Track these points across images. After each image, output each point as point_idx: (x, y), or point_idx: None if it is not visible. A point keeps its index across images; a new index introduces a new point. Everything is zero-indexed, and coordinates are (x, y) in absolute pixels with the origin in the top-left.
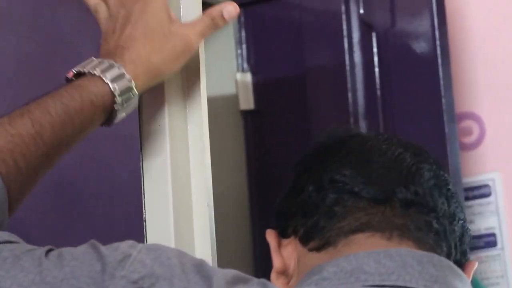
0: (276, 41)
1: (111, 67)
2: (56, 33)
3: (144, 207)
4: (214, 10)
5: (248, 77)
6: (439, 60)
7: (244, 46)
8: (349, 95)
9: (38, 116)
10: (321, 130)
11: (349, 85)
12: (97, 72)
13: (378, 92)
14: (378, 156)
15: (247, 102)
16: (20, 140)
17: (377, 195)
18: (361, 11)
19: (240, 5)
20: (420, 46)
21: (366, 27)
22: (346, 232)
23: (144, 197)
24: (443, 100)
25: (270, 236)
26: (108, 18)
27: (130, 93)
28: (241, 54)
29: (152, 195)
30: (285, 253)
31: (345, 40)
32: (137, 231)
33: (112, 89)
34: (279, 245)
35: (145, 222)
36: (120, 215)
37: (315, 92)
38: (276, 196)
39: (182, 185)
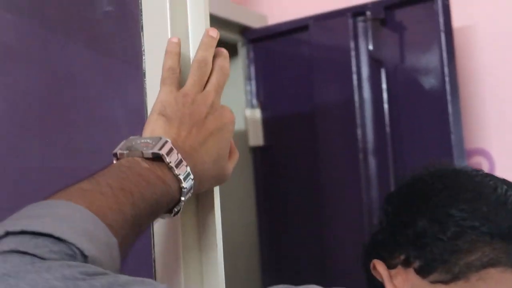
0: (285, 77)
1: (181, 163)
2: (65, 71)
3: (153, 246)
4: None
5: (257, 113)
6: (448, 96)
7: (253, 82)
8: (359, 130)
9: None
10: (330, 166)
11: (358, 121)
12: (172, 163)
13: (387, 128)
14: (489, 192)
15: (257, 138)
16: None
17: (498, 231)
18: (370, 47)
19: (249, 41)
20: (429, 82)
21: (375, 63)
22: (478, 267)
23: (153, 237)
24: (453, 136)
25: (381, 266)
26: (192, 91)
27: (190, 193)
28: (250, 90)
29: (161, 233)
30: (397, 282)
31: (355, 76)
32: (145, 270)
33: (182, 187)
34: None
35: (154, 262)
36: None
37: (325, 128)
38: (285, 230)
39: (191, 221)
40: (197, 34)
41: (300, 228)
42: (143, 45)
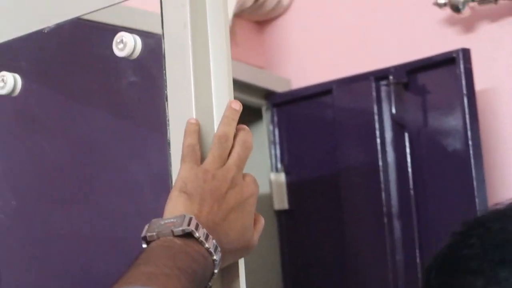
0: (309, 140)
1: (208, 237)
2: (91, 139)
3: None
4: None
5: (282, 177)
6: (472, 159)
7: (277, 146)
8: (383, 194)
9: None
10: (354, 230)
11: (382, 185)
12: (201, 237)
13: (412, 192)
14: None
15: (281, 202)
16: None
17: None
18: (393, 111)
19: (273, 105)
20: (453, 145)
21: (399, 126)
22: None
23: None
24: (477, 200)
25: None
26: (212, 166)
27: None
28: (275, 154)
29: None
30: None
31: (378, 140)
32: None
33: (214, 260)
34: None
35: None
36: None
37: (349, 192)
38: None
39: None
40: (221, 103)
41: None
42: (168, 115)
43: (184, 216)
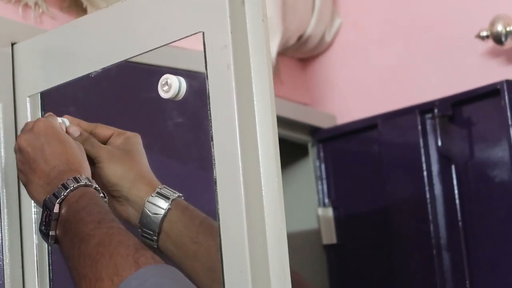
0: (355, 175)
1: None
2: None
3: None
4: None
5: (329, 211)
6: None
7: (324, 181)
8: (431, 227)
9: None
10: (403, 262)
11: (430, 217)
12: None
13: (460, 224)
14: None
15: (330, 236)
16: None
17: None
18: (439, 143)
19: (318, 141)
20: (500, 176)
21: (445, 159)
22: None
23: None
24: None
25: None
26: None
27: None
28: (322, 189)
29: None
30: None
31: (425, 173)
32: None
33: None
34: None
35: None
36: None
37: (397, 225)
38: None
39: None
40: (265, 142)
41: None
42: (214, 154)
43: None
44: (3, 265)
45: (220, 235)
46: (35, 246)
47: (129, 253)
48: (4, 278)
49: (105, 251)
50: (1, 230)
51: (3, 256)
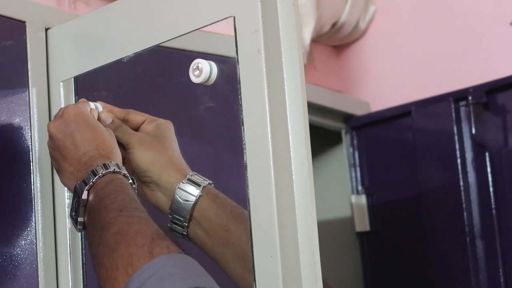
0: (389, 162)
1: None
2: None
3: None
4: None
5: (363, 199)
6: None
7: (357, 168)
8: (465, 214)
9: None
10: (437, 250)
11: (464, 205)
12: None
13: (494, 212)
14: None
15: (363, 224)
16: None
17: None
18: (473, 131)
19: (352, 128)
20: None
21: (479, 147)
22: None
23: None
24: None
25: None
26: None
27: None
28: (355, 176)
29: None
30: None
31: (458, 161)
32: None
33: None
34: None
35: None
36: None
37: (430, 213)
38: None
39: None
40: (296, 126)
41: None
42: (244, 139)
43: None
44: (36, 249)
45: (250, 219)
46: (68, 230)
47: (145, 243)
48: (37, 261)
49: (122, 241)
50: (35, 214)
51: (36, 240)
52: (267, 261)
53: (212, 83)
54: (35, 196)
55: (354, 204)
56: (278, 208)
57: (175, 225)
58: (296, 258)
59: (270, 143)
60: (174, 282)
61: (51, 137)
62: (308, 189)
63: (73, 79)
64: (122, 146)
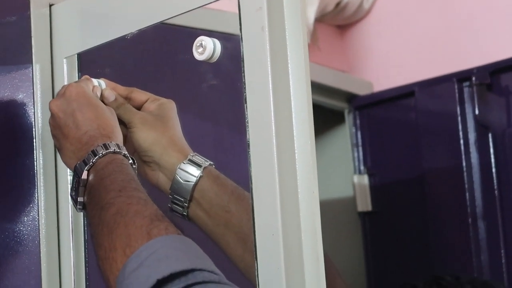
0: (392, 142)
1: None
2: None
3: None
4: None
5: (365, 179)
6: None
7: (360, 148)
8: (467, 195)
9: None
10: (438, 231)
11: (466, 186)
12: None
13: (496, 193)
14: None
15: (365, 204)
16: None
17: None
18: (477, 112)
19: (355, 108)
20: None
21: (482, 128)
22: None
23: None
24: None
25: None
26: None
27: None
28: (358, 156)
29: None
30: None
31: (461, 141)
32: None
33: None
34: None
35: None
36: None
37: (432, 193)
38: None
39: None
40: (299, 105)
41: None
42: (247, 117)
43: None
44: (38, 225)
45: (252, 198)
46: (70, 207)
47: (143, 224)
48: (39, 238)
49: (121, 221)
50: (37, 191)
51: (38, 217)
52: (268, 239)
53: (215, 60)
54: (38, 173)
55: (356, 184)
56: (281, 186)
57: (176, 206)
58: (298, 237)
59: (273, 121)
60: (170, 264)
61: (52, 115)
62: (311, 168)
63: (76, 55)
64: (124, 124)
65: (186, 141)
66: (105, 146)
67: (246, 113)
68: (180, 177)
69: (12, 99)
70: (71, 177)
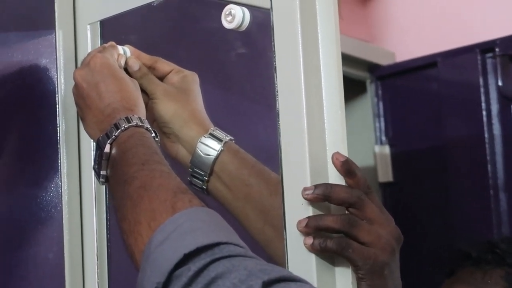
0: (413, 113)
1: None
2: None
3: None
4: None
5: (386, 149)
6: None
7: (382, 119)
8: (489, 167)
9: None
10: (460, 202)
11: (488, 158)
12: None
13: None
14: None
15: (386, 174)
16: None
17: None
18: (500, 83)
19: (377, 78)
20: None
21: (505, 99)
22: None
23: None
24: None
25: None
26: None
27: None
28: (379, 127)
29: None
30: None
31: (484, 113)
32: None
33: None
34: None
35: None
36: None
37: (454, 165)
38: (416, 267)
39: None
40: (329, 75)
41: (431, 265)
42: (277, 87)
43: None
44: (61, 191)
45: (281, 167)
46: (92, 174)
47: (167, 198)
48: (62, 204)
49: (145, 195)
50: (60, 157)
51: (61, 183)
52: (298, 208)
53: (244, 29)
54: (60, 139)
55: (377, 154)
56: (310, 156)
57: (195, 179)
58: (326, 206)
59: (303, 90)
60: (196, 237)
61: (76, 85)
62: (340, 136)
63: (99, 22)
64: (146, 93)
65: (213, 110)
66: (128, 120)
67: (276, 82)
68: (200, 151)
69: (36, 65)
70: (94, 149)
